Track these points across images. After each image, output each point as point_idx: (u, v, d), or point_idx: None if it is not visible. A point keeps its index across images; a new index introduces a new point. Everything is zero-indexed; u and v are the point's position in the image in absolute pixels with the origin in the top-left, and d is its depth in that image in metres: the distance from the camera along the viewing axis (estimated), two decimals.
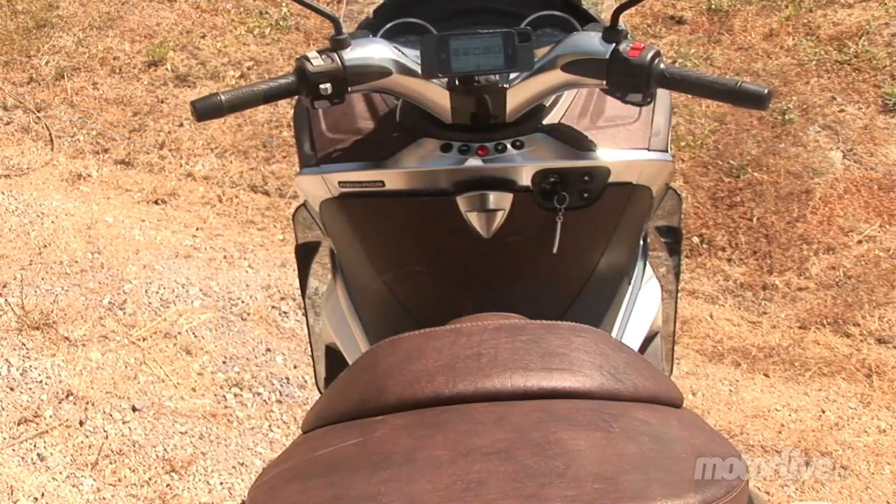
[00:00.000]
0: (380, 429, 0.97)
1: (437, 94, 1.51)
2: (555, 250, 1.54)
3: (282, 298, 3.60)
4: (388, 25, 1.62)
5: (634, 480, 0.86)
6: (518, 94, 1.50)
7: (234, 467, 2.79)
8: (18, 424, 2.92)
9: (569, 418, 0.99)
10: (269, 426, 2.96)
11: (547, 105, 1.58)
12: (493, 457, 0.90)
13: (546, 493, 0.84)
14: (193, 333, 3.34)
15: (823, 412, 3.13)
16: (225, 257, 3.87)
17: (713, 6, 4.93)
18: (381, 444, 0.87)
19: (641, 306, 1.73)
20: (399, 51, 1.51)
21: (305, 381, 3.14)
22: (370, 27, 1.64)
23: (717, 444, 0.98)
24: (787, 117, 4.33)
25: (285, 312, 3.54)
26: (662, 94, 1.61)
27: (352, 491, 0.82)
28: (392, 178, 1.55)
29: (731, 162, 4.24)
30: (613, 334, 1.66)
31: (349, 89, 1.45)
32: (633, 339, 1.69)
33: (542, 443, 0.93)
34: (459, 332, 1.13)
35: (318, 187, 1.61)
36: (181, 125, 4.73)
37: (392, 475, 0.85)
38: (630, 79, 1.42)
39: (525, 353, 1.08)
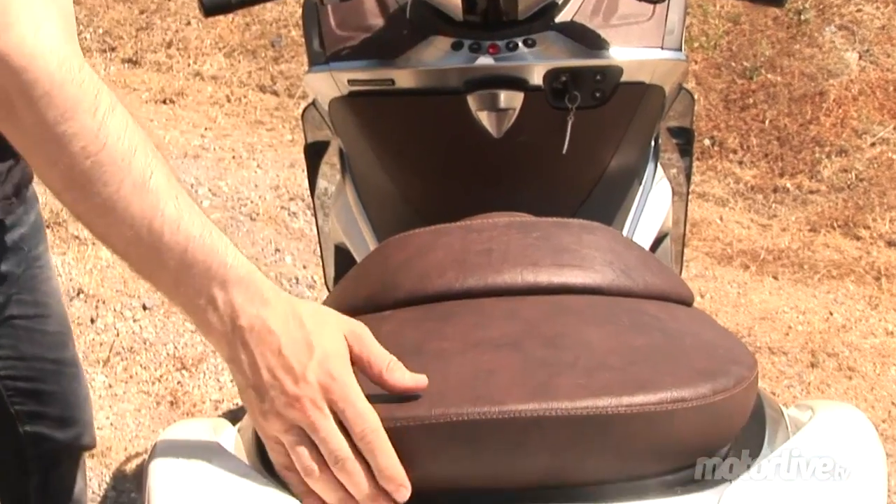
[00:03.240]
0: (388, 323, 0.98)
1: None
2: (565, 150, 1.53)
3: (291, 199, 3.60)
4: None
5: (644, 371, 0.86)
6: None
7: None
8: None
9: (579, 312, 0.99)
10: None
11: (559, 2, 1.55)
12: (503, 348, 0.90)
13: (556, 382, 0.84)
14: None
15: (831, 314, 3.15)
16: (234, 157, 3.86)
17: None
18: (390, 338, 0.87)
19: (652, 207, 1.72)
20: None
21: (315, 281, 3.16)
22: None
23: (727, 340, 0.98)
24: (802, 17, 4.27)
25: (294, 213, 3.54)
26: None
27: (359, 384, 0.82)
28: (402, 77, 1.53)
29: (745, 63, 4.19)
30: (623, 235, 1.66)
31: None
32: (643, 241, 1.69)
33: (553, 335, 0.93)
34: (470, 228, 1.13)
35: (326, 85, 1.60)
36: (188, 24, 4.68)
37: None
38: None
39: (536, 250, 1.08)
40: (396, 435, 0.83)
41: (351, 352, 0.85)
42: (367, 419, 0.82)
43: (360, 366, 0.86)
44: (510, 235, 1.11)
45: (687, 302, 1.13)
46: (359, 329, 0.87)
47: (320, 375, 0.82)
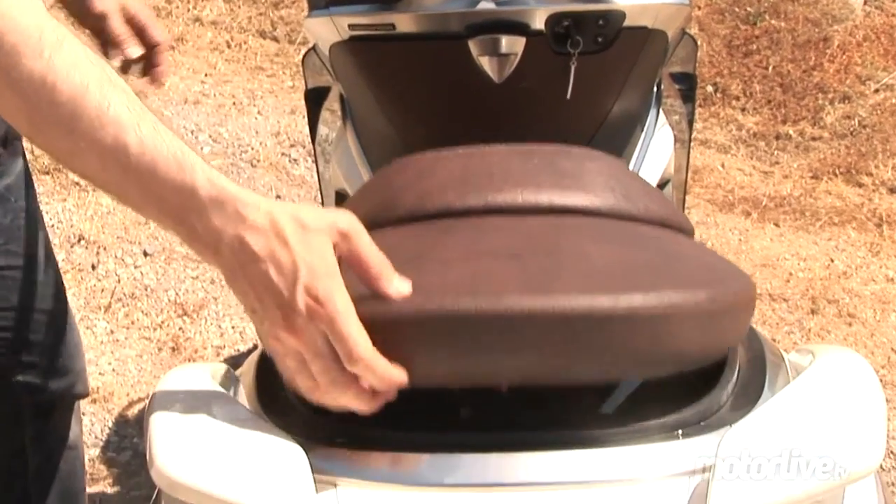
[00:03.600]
0: (388, 237, 0.97)
1: None
2: (568, 96, 1.52)
3: (291, 145, 3.59)
4: None
5: (643, 278, 0.87)
6: None
7: (245, 312, 2.82)
8: None
9: (579, 230, 0.99)
10: None
11: None
12: (503, 259, 0.90)
13: (555, 285, 0.84)
14: None
15: (832, 261, 3.15)
16: (234, 104, 3.85)
17: None
18: (390, 249, 0.86)
19: (654, 153, 1.72)
20: None
21: None
22: None
23: (727, 265, 0.99)
24: None
25: (295, 159, 3.53)
26: None
27: (359, 289, 0.82)
28: (403, 21, 1.52)
29: (748, 8, 4.16)
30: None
31: None
32: None
33: (552, 248, 0.93)
34: (472, 153, 1.13)
35: (327, 30, 1.59)
36: None
37: (399, 272, 0.85)
38: None
39: (538, 173, 1.09)
40: (391, 325, 0.82)
41: (340, 252, 0.83)
42: (359, 344, 0.80)
43: (349, 263, 0.82)
44: (511, 160, 1.11)
45: (687, 232, 1.13)
46: (348, 226, 0.83)
47: (308, 301, 0.80)
